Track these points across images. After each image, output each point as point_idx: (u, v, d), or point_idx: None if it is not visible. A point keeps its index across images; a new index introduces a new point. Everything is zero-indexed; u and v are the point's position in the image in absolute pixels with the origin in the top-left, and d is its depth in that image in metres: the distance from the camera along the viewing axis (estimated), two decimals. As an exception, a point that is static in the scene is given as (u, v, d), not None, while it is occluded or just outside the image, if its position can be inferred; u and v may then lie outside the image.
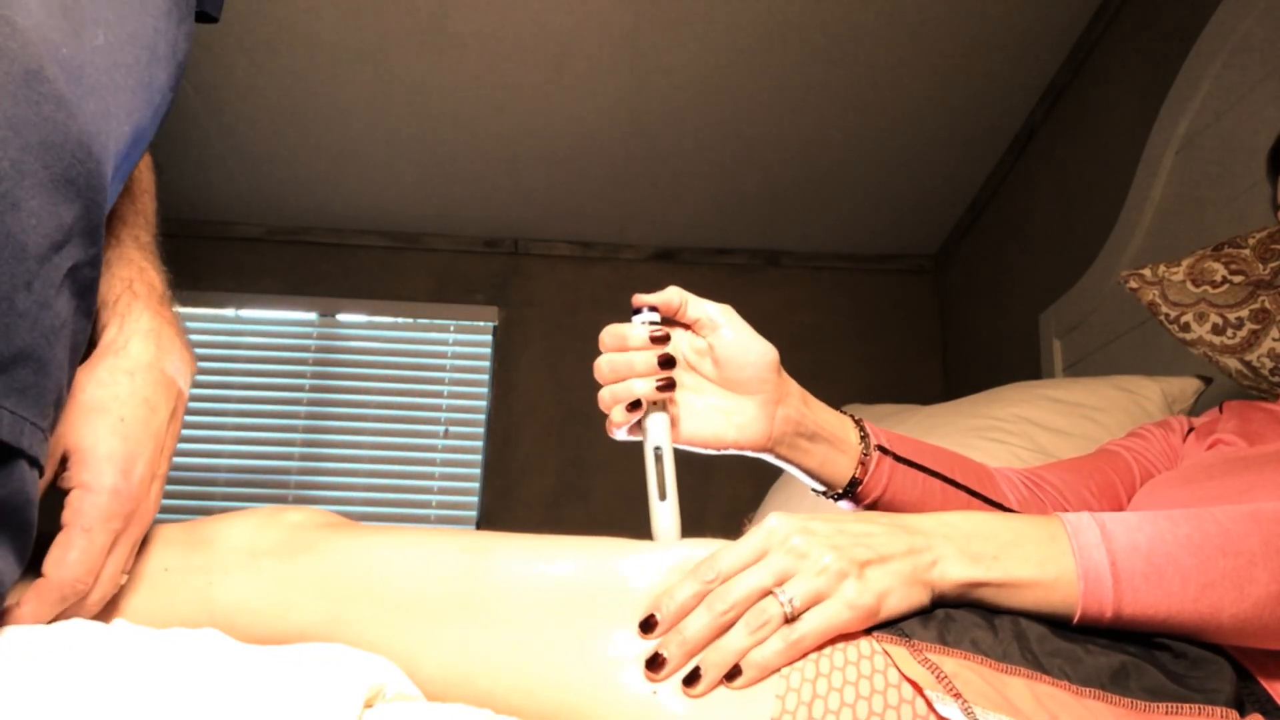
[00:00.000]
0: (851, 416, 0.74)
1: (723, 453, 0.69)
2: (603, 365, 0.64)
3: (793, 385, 0.70)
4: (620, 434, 0.65)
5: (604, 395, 0.64)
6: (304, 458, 2.74)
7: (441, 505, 2.75)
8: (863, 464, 0.72)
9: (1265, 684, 0.52)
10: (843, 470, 0.72)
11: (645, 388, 0.62)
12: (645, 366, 0.63)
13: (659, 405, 0.65)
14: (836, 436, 0.72)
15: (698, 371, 0.69)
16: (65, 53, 0.44)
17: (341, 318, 2.86)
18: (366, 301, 2.85)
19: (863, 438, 0.73)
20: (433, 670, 0.51)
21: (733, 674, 0.47)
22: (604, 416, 0.65)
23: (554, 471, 2.73)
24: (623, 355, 0.63)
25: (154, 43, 0.53)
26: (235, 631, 0.54)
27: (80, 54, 0.45)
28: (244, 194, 2.70)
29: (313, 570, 0.55)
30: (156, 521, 0.59)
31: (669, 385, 0.63)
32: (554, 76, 2.17)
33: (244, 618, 0.55)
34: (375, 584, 0.54)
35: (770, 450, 0.70)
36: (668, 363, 0.63)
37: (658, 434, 0.64)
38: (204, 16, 0.67)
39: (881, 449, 0.73)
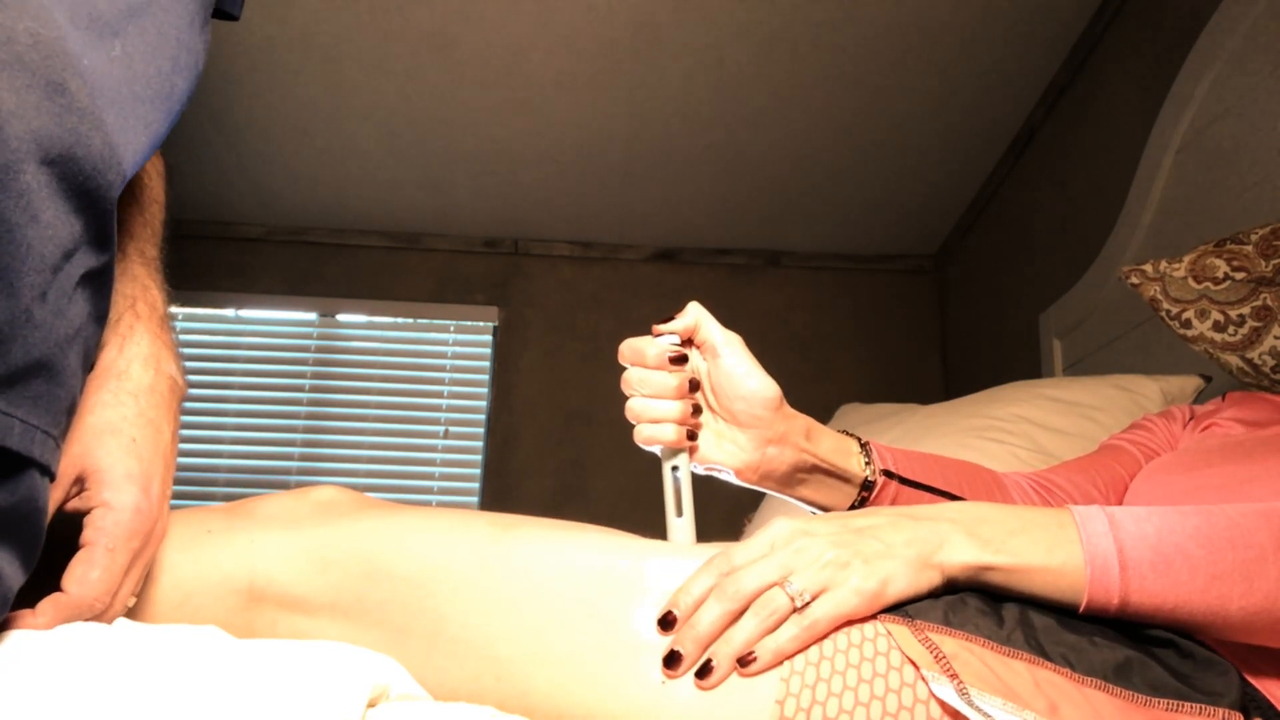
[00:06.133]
0: (857, 439, 0.75)
1: (706, 472, 0.71)
2: (631, 379, 0.67)
3: (797, 424, 0.70)
4: (644, 447, 0.68)
5: (632, 407, 0.67)
6: (304, 458, 2.74)
7: (441, 505, 2.75)
8: (866, 489, 0.73)
9: (1260, 686, 0.52)
10: (841, 499, 0.73)
11: (673, 412, 0.65)
12: (664, 388, 0.65)
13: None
14: (838, 466, 0.72)
15: (700, 390, 0.70)
16: (87, 64, 0.44)
17: (341, 318, 2.86)
18: (366, 301, 2.85)
19: (867, 462, 0.73)
20: (457, 630, 0.53)
21: (746, 661, 0.48)
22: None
23: (554, 471, 2.73)
24: (645, 373, 0.66)
25: (176, 53, 0.53)
26: (274, 587, 0.56)
27: (102, 65, 0.46)
28: (244, 194, 2.70)
29: (349, 529, 0.57)
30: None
31: (694, 435, 0.67)
32: (554, 77, 2.17)
33: (284, 572, 0.57)
34: (409, 542, 0.56)
35: (756, 484, 0.71)
36: (696, 410, 0.67)
37: (677, 454, 0.67)
38: (225, 15, 0.67)
39: (887, 473, 0.74)
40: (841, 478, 0.72)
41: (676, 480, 0.66)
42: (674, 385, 0.66)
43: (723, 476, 0.71)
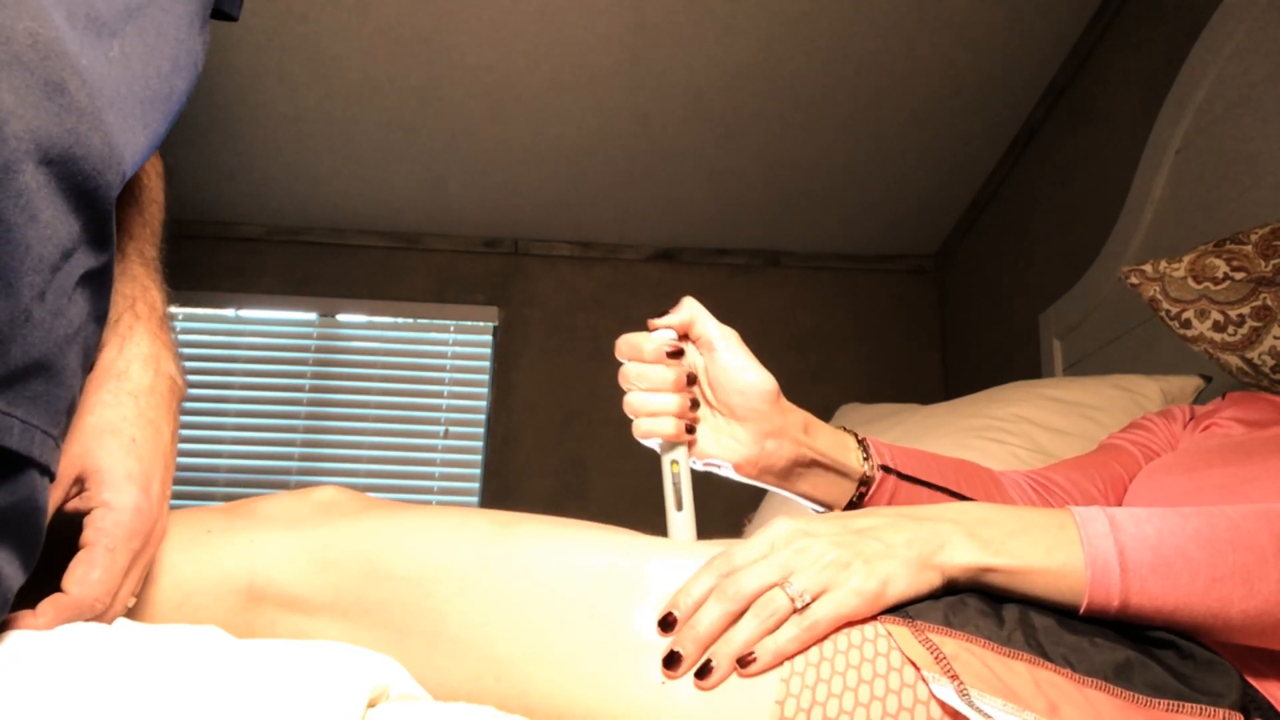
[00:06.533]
0: (855, 435, 0.75)
1: (705, 467, 0.71)
2: (628, 373, 0.67)
3: (794, 417, 0.71)
4: (643, 441, 0.68)
5: (630, 401, 0.67)
6: (304, 458, 2.74)
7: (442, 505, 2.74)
8: (864, 484, 0.73)
9: (1261, 687, 0.52)
10: (840, 494, 0.73)
11: (671, 405, 0.66)
12: (661, 382, 0.66)
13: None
14: (837, 461, 0.72)
15: (697, 384, 0.70)
16: (85, 64, 0.44)
17: (341, 318, 2.86)
18: (366, 301, 2.85)
19: (865, 458, 0.73)
20: (457, 630, 0.52)
21: (746, 661, 0.48)
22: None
23: (554, 471, 2.73)
24: (642, 368, 0.66)
25: (175, 53, 0.53)
26: (274, 587, 0.56)
27: (100, 66, 0.46)
28: (244, 194, 2.70)
29: (349, 530, 0.57)
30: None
31: (692, 428, 0.67)
32: (554, 76, 2.17)
33: (284, 573, 0.56)
34: (409, 542, 0.56)
35: (755, 478, 0.71)
36: (694, 404, 0.68)
37: (676, 448, 0.68)
38: (223, 15, 0.67)
39: (885, 468, 0.74)
40: (840, 472, 0.72)
41: (675, 474, 0.67)
42: (671, 379, 0.66)
43: (721, 471, 0.71)
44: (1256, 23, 1.38)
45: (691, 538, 0.65)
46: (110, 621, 0.52)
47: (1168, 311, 1.05)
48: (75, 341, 0.45)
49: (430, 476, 2.76)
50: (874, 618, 0.50)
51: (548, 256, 2.93)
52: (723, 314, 0.71)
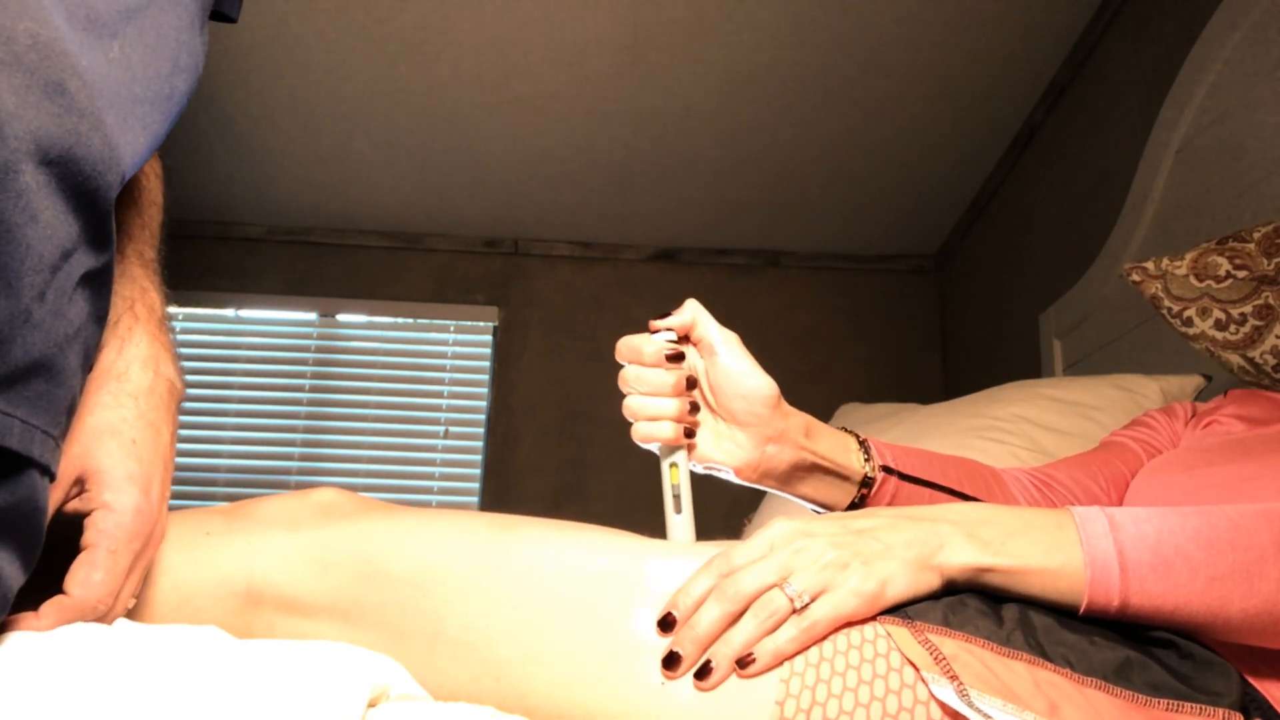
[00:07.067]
0: (856, 436, 0.75)
1: (705, 471, 0.71)
2: (628, 376, 0.67)
3: (795, 421, 0.70)
4: (641, 445, 0.68)
5: (629, 405, 0.67)
6: (304, 458, 2.74)
7: (441, 506, 2.74)
8: (866, 485, 0.73)
9: (1260, 686, 0.52)
10: (841, 496, 0.73)
11: (670, 410, 0.66)
12: (661, 385, 0.65)
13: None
14: (838, 464, 0.72)
15: (698, 388, 0.70)
16: (86, 65, 0.44)
17: (341, 318, 2.86)
18: (366, 301, 2.85)
19: (866, 459, 0.73)
20: (456, 632, 0.53)
21: (745, 662, 0.48)
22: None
23: (554, 471, 2.73)
24: (642, 371, 0.66)
25: (176, 54, 0.53)
26: (273, 589, 0.56)
27: (100, 66, 0.46)
28: (244, 194, 2.70)
29: (348, 532, 0.57)
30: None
31: (691, 433, 0.67)
32: (555, 76, 2.17)
33: (282, 574, 0.56)
34: (408, 544, 0.56)
35: (756, 482, 0.71)
36: (694, 408, 0.68)
37: (675, 451, 0.67)
38: (222, 17, 0.67)
39: (886, 469, 0.74)
40: (841, 475, 0.72)
41: (675, 478, 0.66)
42: (671, 382, 0.65)
43: (722, 475, 0.71)
44: (1256, 23, 1.38)
45: (690, 541, 0.65)
46: (110, 622, 0.52)
47: (1169, 309, 1.04)
48: (75, 342, 0.45)
49: (430, 476, 2.76)
50: (873, 618, 0.50)
51: (548, 256, 2.93)
52: (723, 314, 0.71)
